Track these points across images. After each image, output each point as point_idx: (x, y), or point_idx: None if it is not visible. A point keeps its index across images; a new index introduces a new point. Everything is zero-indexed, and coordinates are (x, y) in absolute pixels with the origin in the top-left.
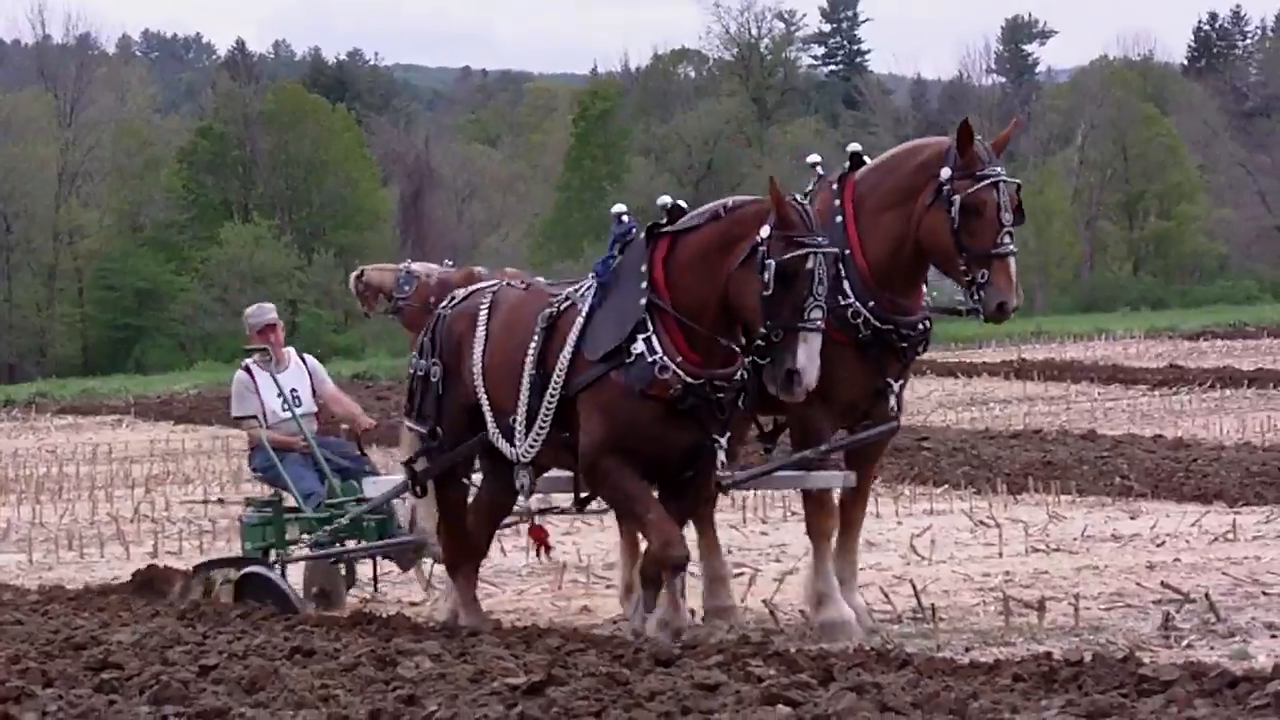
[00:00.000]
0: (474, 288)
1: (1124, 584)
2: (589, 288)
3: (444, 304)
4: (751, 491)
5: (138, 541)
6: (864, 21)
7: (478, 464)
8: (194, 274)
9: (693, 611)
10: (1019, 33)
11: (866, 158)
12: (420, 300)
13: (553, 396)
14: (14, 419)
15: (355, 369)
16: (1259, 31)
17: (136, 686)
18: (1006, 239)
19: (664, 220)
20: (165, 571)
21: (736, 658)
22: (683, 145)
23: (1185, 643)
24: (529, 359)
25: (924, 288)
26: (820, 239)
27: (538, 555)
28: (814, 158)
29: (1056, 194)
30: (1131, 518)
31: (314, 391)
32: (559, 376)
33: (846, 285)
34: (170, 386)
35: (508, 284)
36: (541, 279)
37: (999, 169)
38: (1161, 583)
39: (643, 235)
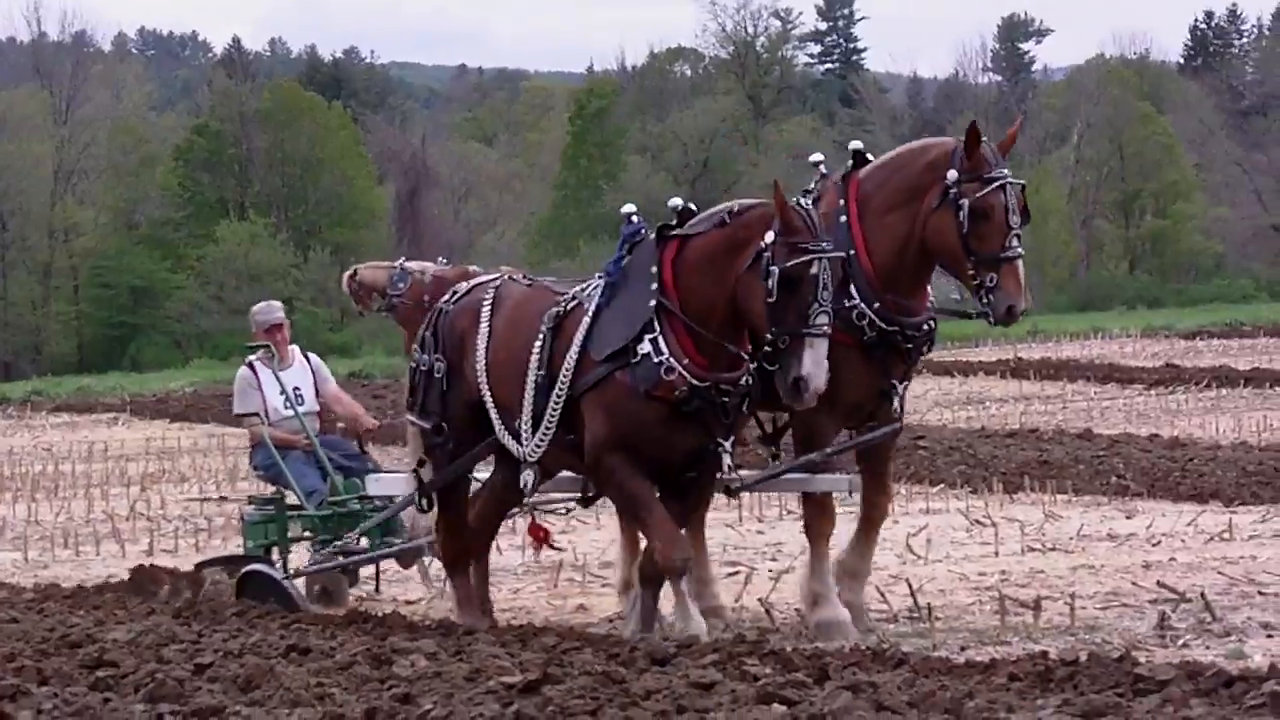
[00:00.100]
0: (475, 282)
1: (1120, 583)
2: (596, 287)
3: (445, 299)
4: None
5: (133, 539)
6: (860, 20)
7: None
8: (190, 272)
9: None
10: (1015, 31)
11: (869, 156)
12: (414, 298)
13: (559, 398)
14: (9, 417)
15: (351, 367)
16: (1255, 30)
17: (132, 684)
18: (1015, 242)
19: (674, 222)
20: (159, 570)
21: (732, 656)
22: (679, 144)
23: (1181, 642)
24: (534, 359)
25: (929, 288)
26: (825, 244)
27: (536, 552)
28: (816, 156)
29: (1052, 193)
30: (1127, 517)
31: (317, 390)
32: (565, 377)
33: (851, 286)
34: (166, 384)
35: (509, 278)
36: (548, 278)
37: (1005, 171)
38: (1157, 582)
39: (653, 236)
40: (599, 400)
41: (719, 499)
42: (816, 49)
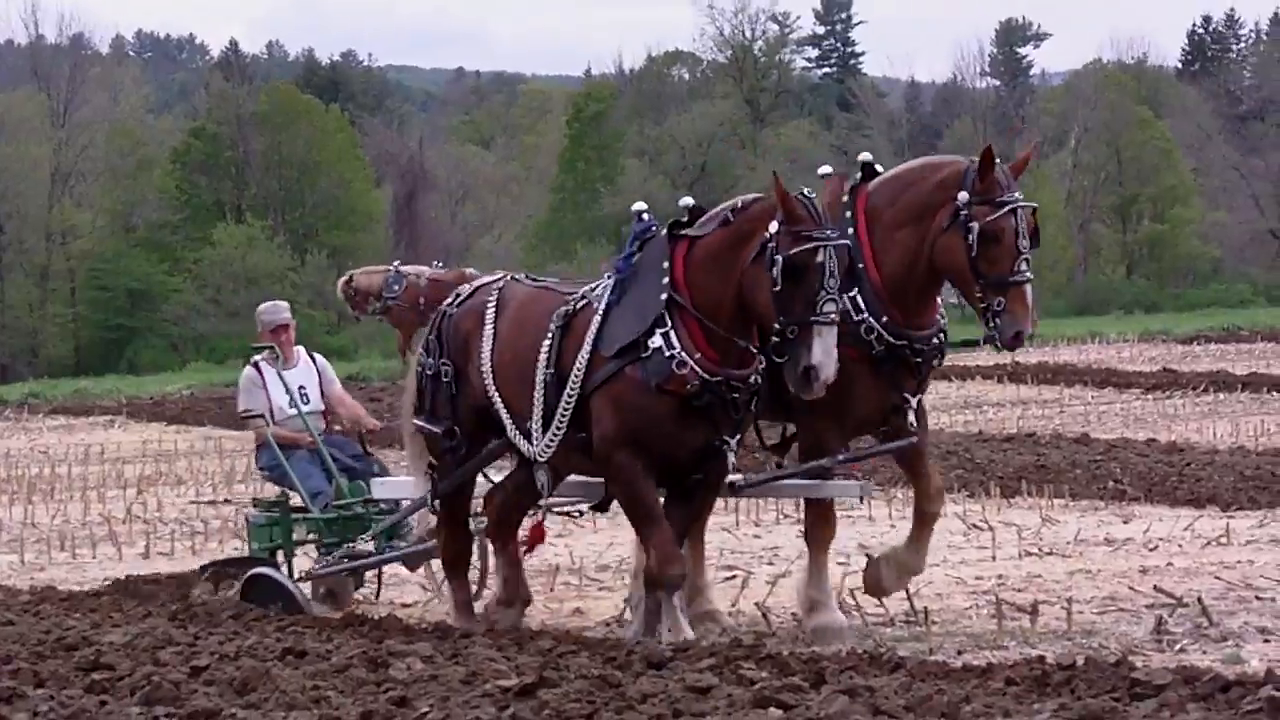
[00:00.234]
0: (478, 284)
1: (1117, 588)
2: (606, 286)
3: (449, 301)
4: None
5: (130, 542)
6: (858, 24)
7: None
8: (187, 275)
9: None
10: (1013, 35)
11: (879, 168)
12: (410, 300)
13: (570, 396)
14: (6, 419)
15: (348, 370)
16: (1253, 35)
17: (128, 687)
18: (1024, 266)
19: (685, 220)
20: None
21: (729, 660)
22: (676, 147)
23: (1178, 647)
24: (543, 357)
25: (939, 301)
26: (829, 232)
27: (528, 551)
28: (825, 169)
29: (1050, 197)
30: (1124, 522)
31: (322, 392)
32: (577, 375)
33: (860, 300)
34: (163, 387)
35: (512, 278)
36: (551, 279)
37: (1018, 194)
38: (1154, 587)
39: (664, 233)
40: (609, 395)
41: (717, 504)
42: (814, 53)
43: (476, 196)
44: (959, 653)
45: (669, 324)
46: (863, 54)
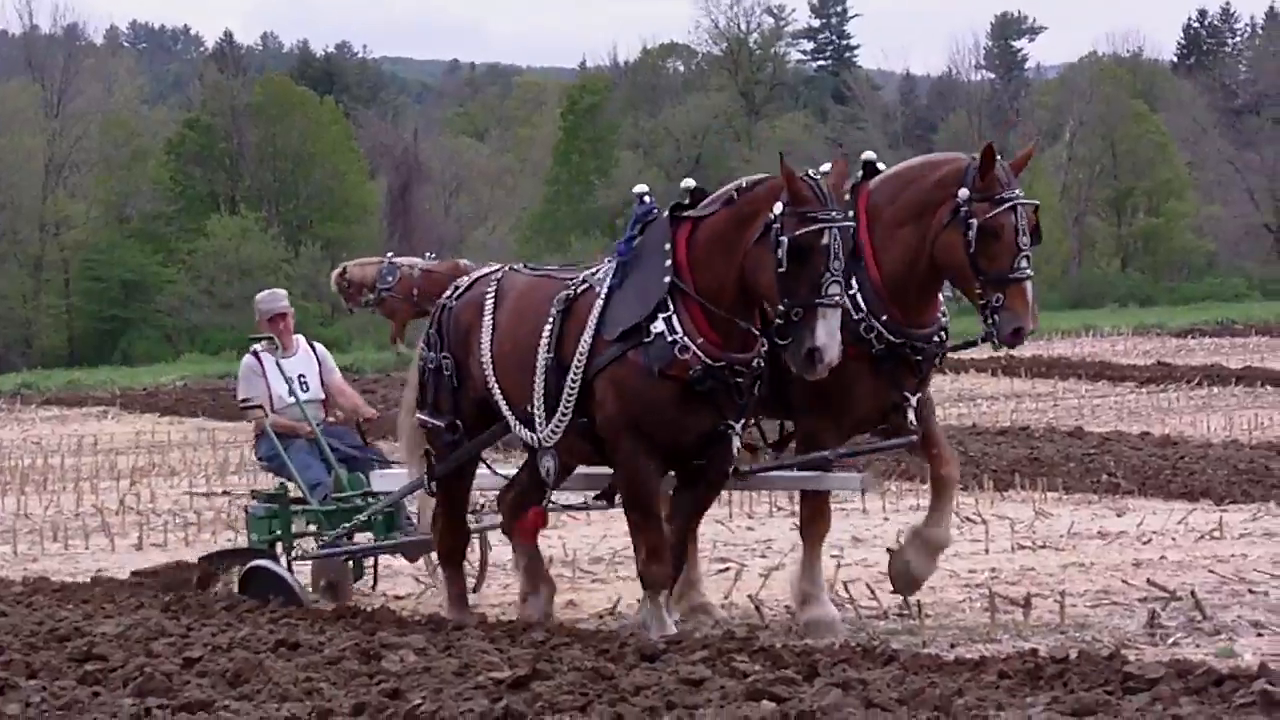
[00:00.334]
0: (477, 275)
1: (1110, 581)
2: (607, 271)
3: (448, 294)
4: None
5: (123, 533)
6: (853, 17)
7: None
8: (181, 266)
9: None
10: (1008, 29)
11: (880, 166)
12: (403, 292)
13: (575, 380)
14: None
15: (342, 362)
16: (1248, 29)
17: (120, 678)
18: (1024, 263)
19: (686, 202)
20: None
21: (722, 653)
22: (671, 140)
23: (1171, 640)
24: (544, 342)
25: (940, 299)
26: (835, 213)
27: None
28: (825, 167)
29: (1045, 190)
30: (1118, 515)
31: (322, 380)
32: (580, 359)
33: (860, 299)
34: (156, 378)
35: (511, 268)
36: (552, 266)
37: (1018, 191)
38: (1148, 580)
39: (666, 215)
40: (612, 380)
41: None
42: (809, 46)
43: (471, 188)
44: (952, 646)
45: (671, 308)
46: (858, 47)
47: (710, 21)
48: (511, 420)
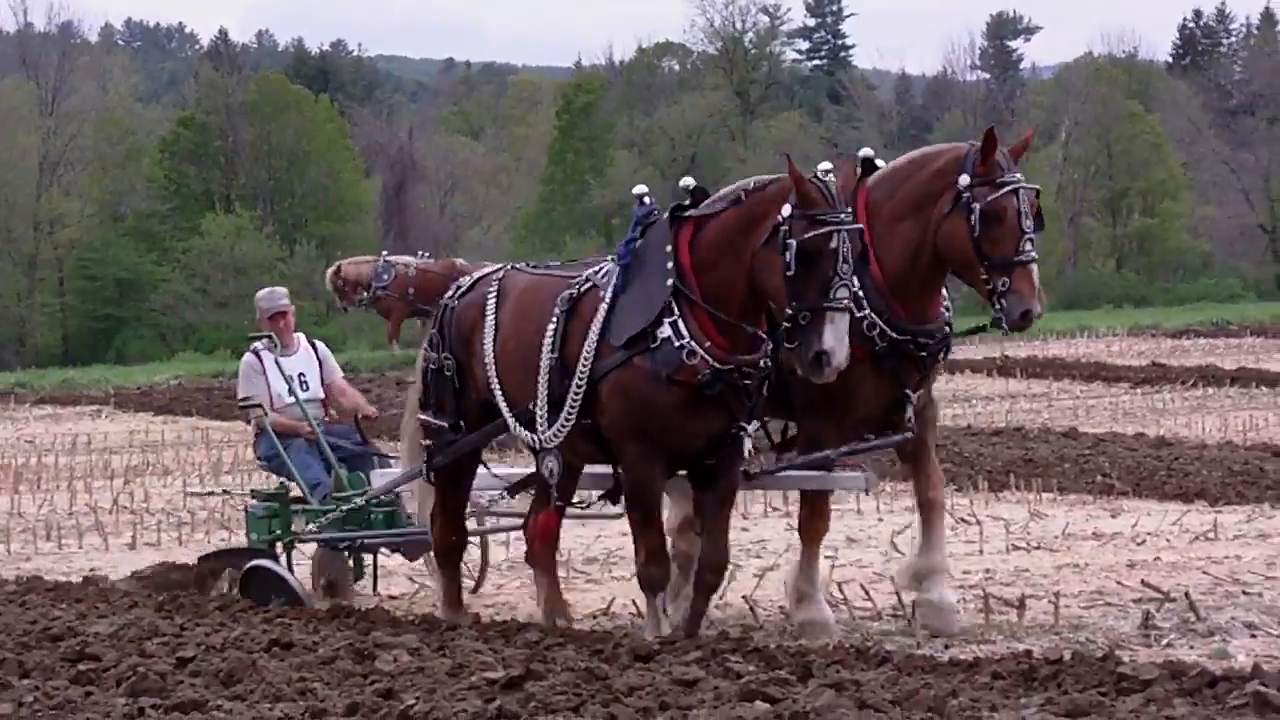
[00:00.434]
0: (479, 275)
1: (1104, 582)
2: (609, 270)
3: (450, 294)
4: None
5: (116, 532)
6: (848, 16)
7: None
8: (175, 264)
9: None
10: (1004, 28)
11: (879, 162)
12: (399, 290)
13: (580, 383)
14: None
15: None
16: (1243, 29)
17: (113, 678)
18: (1028, 246)
19: (687, 202)
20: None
21: (715, 654)
22: (666, 139)
23: (1165, 642)
24: (547, 342)
25: (943, 294)
26: (844, 215)
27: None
28: (824, 165)
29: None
30: (1112, 516)
31: (322, 379)
32: (585, 361)
33: (862, 296)
34: (150, 377)
35: (513, 267)
36: (554, 262)
37: (1018, 175)
38: (1142, 581)
39: (666, 217)
40: (618, 385)
41: None
42: (805, 45)
43: (466, 187)
44: (946, 647)
45: (676, 313)
46: (853, 46)
47: (706, 20)
48: (511, 421)
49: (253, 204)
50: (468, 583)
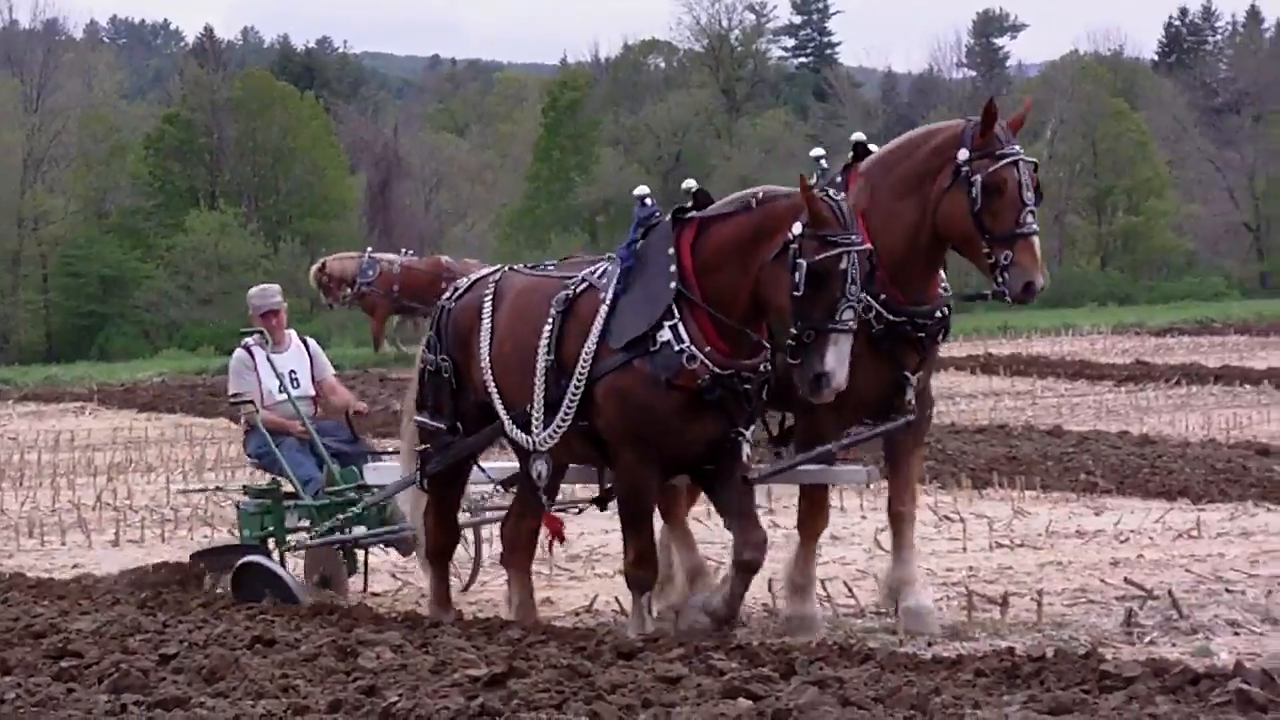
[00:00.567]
0: (476, 276)
1: (1087, 580)
2: (606, 271)
3: (447, 296)
4: None
5: (99, 530)
6: (834, 14)
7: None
8: (159, 261)
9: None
10: (989, 26)
11: (872, 147)
12: (384, 287)
13: (578, 386)
14: None
15: None
16: (1229, 27)
17: (96, 675)
18: (1029, 218)
19: (689, 205)
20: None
21: (698, 651)
22: (652, 136)
23: (1148, 639)
24: (543, 343)
25: (941, 275)
26: (854, 237)
27: (550, 545)
28: (817, 150)
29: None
30: (1096, 514)
31: (313, 376)
32: (584, 364)
33: None
34: (134, 374)
35: (510, 269)
36: (551, 263)
37: (1017, 147)
38: (1125, 579)
39: (668, 219)
40: (616, 388)
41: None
42: (791, 42)
43: (451, 184)
44: (929, 644)
45: (677, 316)
46: (839, 44)
47: (692, 18)
48: (507, 422)
49: (237, 201)
50: (461, 581)
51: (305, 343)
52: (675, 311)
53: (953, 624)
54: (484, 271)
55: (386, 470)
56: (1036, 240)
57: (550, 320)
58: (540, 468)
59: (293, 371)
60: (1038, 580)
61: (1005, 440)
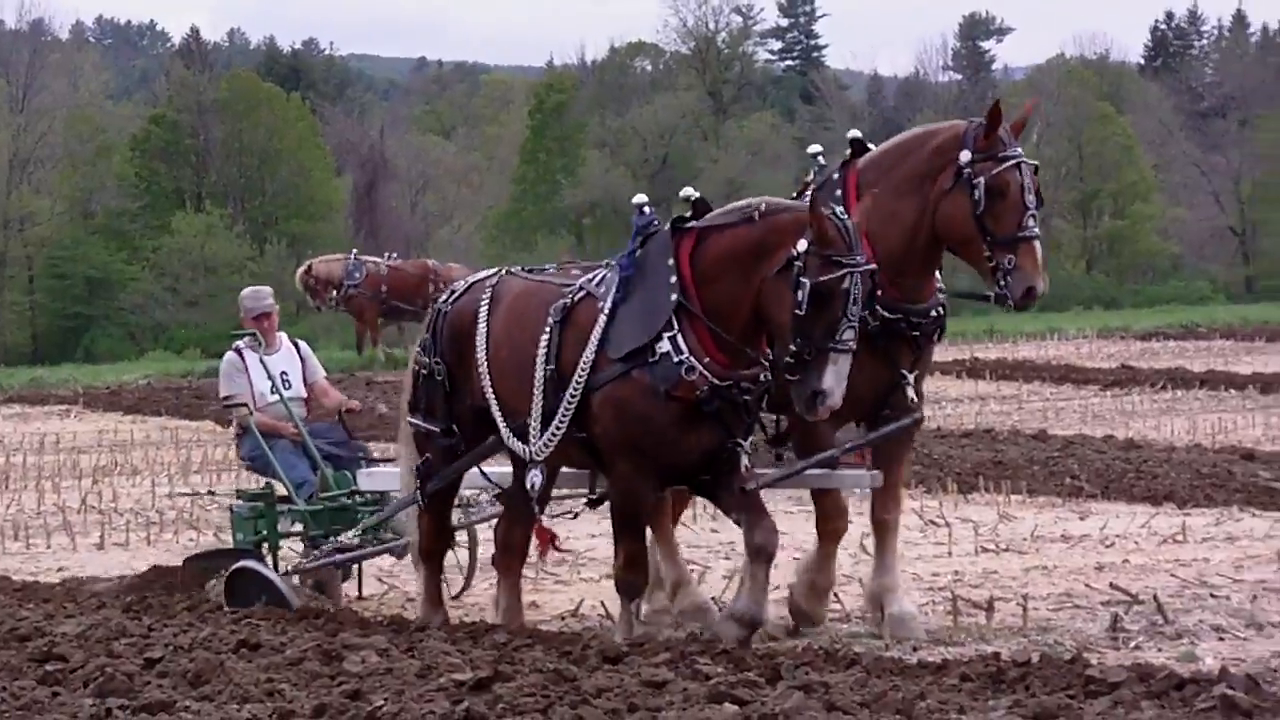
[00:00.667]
0: (473, 279)
1: (1073, 585)
2: (604, 279)
3: (443, 299)
4: None
5: (84, 532)
6: (821, 17)
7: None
8: (145, 263)
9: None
10: (976, 29)
11: (869, 145)
12: (371, 288)
13: (574, 396)
14: None
15: None
16: (1215, 32)
17: (81, 679)
18: (1031, 222)
19: (688, 214)
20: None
21: (684, 655)
22: (638, 139)
23: (1133, 644)
24: (541, 353)
25: (937, 275)
26: (859, 257)
27: (542, 555)
28: (815, 148)
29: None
30: (1081, 518)
31: (305, 378)
32: (581, 375)
33: None
34: (119, 377)
35: (508, 272)
36: (549, 266)
37: (1020, 150)
38: (1110, 584)
39: (667, 228)
40: (614, 398)
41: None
42: (777, 45)
43: (437, 186)
44: (914, 649)
45: (676, 327)
46: (826, 47)
47: (679, 20)
48: (504, 431)
49: (223, 202)
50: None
51: (296, 345)
52: (674, 322)
53: (938, 628)
54: (481, 274)
55: (380, 476)
56: (1038, 244)
57: (548, 329)
58: (535, 478)
59: (284, 373)
60: (1023, 585)
61: (991, 444)
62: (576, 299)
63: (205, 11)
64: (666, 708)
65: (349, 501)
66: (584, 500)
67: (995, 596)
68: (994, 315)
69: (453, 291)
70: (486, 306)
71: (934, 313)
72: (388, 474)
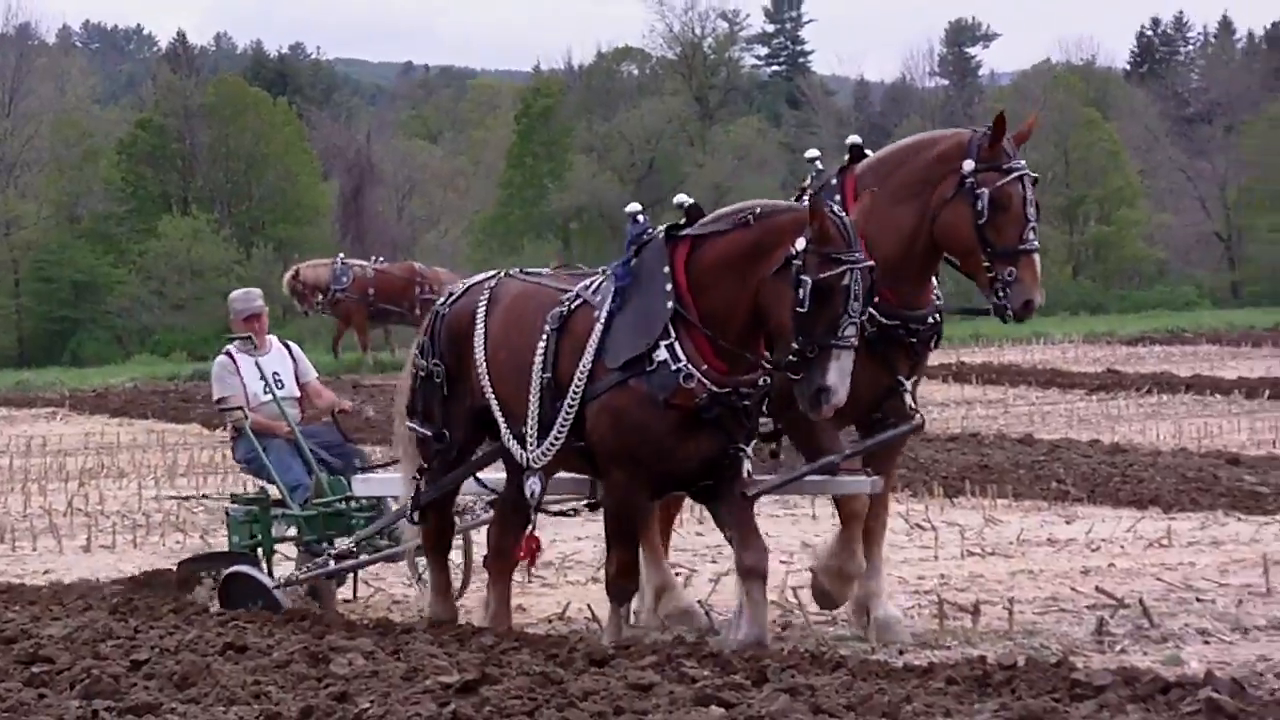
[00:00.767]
0: (471, 282)
1: (1058, 588)
2: (601, 286)
3: (441, 301)
4: None
5: (70, 535)
6: (808, 22)
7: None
8: (132, 267)
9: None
10: (962, 35)
11: (868, 151)
12: (358, 292)
13: (572, 405)
14: None
15: None
16: (1201, 38)
17: (67, 681)
18: (1031, 235)
19: (682, 221)
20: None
21: (670, 658)
22: (625, 143)
23: (1118, 648)
24: (538, 360)
25: (934, 281)
26: (858, 254)
27: (529, 566)
28: (812, 152)
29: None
30: (1067, 522)
31: (297, 379)
32: (578, 384)
33: None
34: (106, 380)
35: (506, 274)
36: (546, 270)
37: (1022, 162)
38: (1096, 588)
39: (662, 236)
40: (612, 407)
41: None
42: (764, 51)
43: (424, 191)
44: (900, 652)
45: (673, 335)
46: (812, 52)
47: (665, 26)
48: (506, 435)
49: (210, 206)
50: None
51: (287, 346)
52: (671, 330)
53: (924, 632)
54: (480, 276)
55: (375, 482)
56: (1038, 257)
57: (545, 337)
58: (534, 486)
59: (276, 373)
60: (1009, 588)
61: (977, 449)
62: (573, 307)
63: (192, 16)
64: (653, 710)
65: (344, 507)
66: (584, 502)
67: (981, 600)
68: (980, 320)
69: (450, 294)
70: (484, 308)
71: (931, 319)
72: (383, 480)
